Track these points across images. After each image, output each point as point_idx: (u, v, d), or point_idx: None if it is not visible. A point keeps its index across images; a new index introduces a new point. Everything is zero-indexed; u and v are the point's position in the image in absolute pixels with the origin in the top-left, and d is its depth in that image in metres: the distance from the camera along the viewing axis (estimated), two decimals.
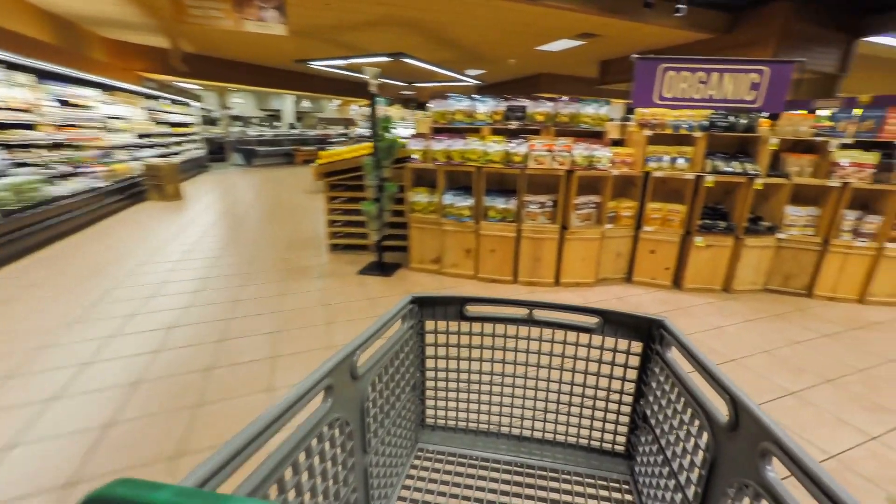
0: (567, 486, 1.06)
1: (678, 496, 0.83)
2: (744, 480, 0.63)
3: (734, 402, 0.68)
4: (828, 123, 3.70)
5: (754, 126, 3.58)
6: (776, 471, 0.59)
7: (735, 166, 3.55)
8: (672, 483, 0.86)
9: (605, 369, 1.35)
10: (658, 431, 0.95)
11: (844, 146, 3.54)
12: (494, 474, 1.10)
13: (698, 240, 3.62)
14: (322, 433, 0.70)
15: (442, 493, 1.03)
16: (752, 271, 3.77)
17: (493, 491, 1.04)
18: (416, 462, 1.14)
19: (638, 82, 3.86)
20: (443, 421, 1.24)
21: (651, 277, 3.87)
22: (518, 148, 3.55)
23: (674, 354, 0.93)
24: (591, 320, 1.06)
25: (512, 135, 3.63)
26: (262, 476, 0.54)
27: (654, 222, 3.73)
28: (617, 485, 1.07)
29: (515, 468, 1.12)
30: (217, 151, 13.27)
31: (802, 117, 3.60)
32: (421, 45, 9.23)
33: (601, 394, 1.21)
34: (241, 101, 15.32)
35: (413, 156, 3.84)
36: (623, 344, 1.06)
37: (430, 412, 1.23)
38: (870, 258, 3.62)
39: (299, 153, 13.89)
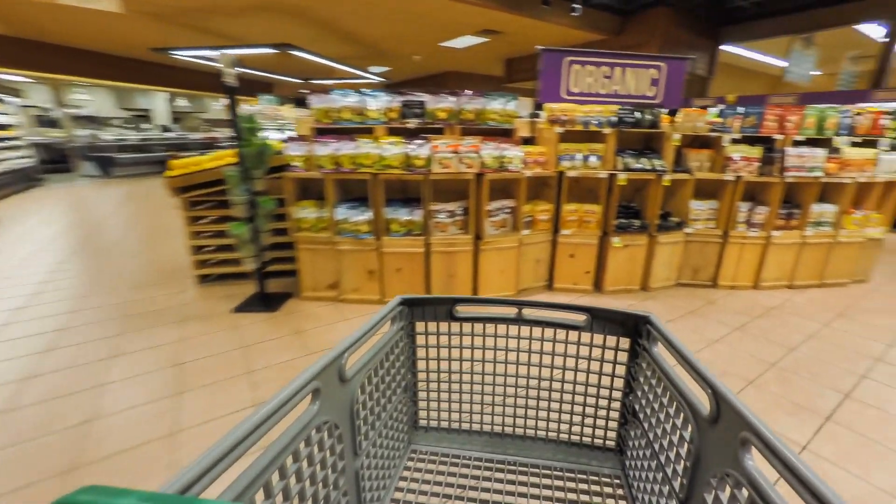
0: (560, 483, 1.08)
1: (666, 488, 0.84)
2: (726, 470, 0.64)
3: (715, 395, 0.69)
4: (717, 119, 3.79)
5: (657, 122, 3.51)
6: (755, 460, 0.60)
7: (644, 163, 3.44)
8: (660, 475, 0.87)
9: (595, 366, 1.34)
10: (646, 426, 0.96)
11: (735, 141, 3.63)
12: (488, 473, 1.10)
13: (616, 240, 3.46)
14: (310, 437, 0.69)
15: (436, 494, 1.03)
16: (665, 268, 3.73)
17: (486, 490, 1.05)
18: (410, 464, 1.13)
19: (545, 75, 3.59)
20: (435, 422, 1.23)
21: (573, 283, 3.64)
22: (419, 150, 3.03)
23: (659, 350, 0.94)
24: (580, 318, 1.07)
25: (411, 135, 3.10)
26: (247, 480, 0.53)
27: (571, 225, 3.49)
28: (609, 479, 1.08)
29: (509, 466, 1.12)
30: (58, 160, 10.82)
31: (699, 113, 3.63)
32: (316, 37, 8.34)
33: (591, 390, 1.17)
34: (91, 98, 12.73)
35: (293, 163, 3.12)
36: (611, 340, 1.08)
37: (422, 413, 1.23)
38: (760, 247, 3.78)
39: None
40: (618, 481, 1.08)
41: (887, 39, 7.33)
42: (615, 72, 3.64)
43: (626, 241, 3.48)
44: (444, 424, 1.23)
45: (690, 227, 3.68)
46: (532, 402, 1.18)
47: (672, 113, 3.70)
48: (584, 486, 1.06)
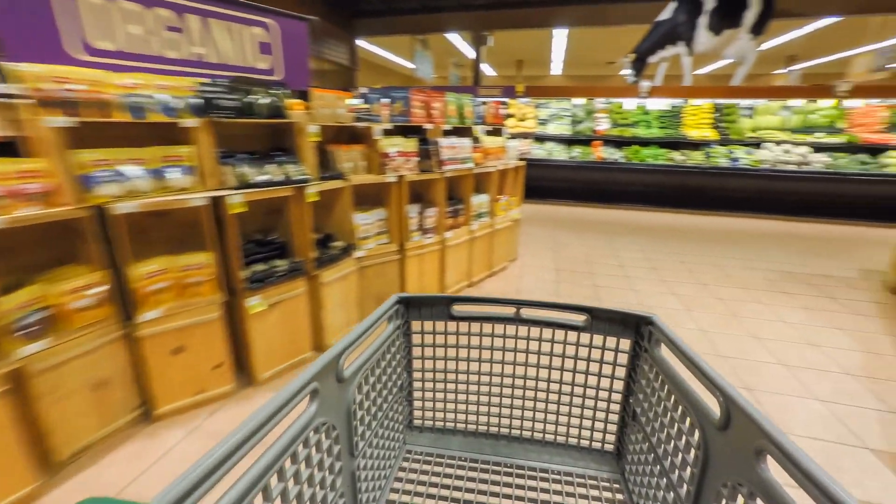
0: (557, 486, 1.06)
1: (670, 495, 0.81)
2: (738, 479, 0.62)
3: (726, 400, 0.65)
4: (363, 106, 3.00)
5: (282, 108, 2.32)
6: (771, 470, 0.57)
7: (273, 172, 2.20)
8: (664, 482, 0.85)
9: (594, 367, 1.09)
10: (649, 429, 0.94)
11: (387, 132, 2.91)
12: (484, 475, 1.08)
13: (254, 301, 2.12)
14: (308, 438, 0.68)
15: (431, 496, 1.01)
16: (342, 311, 2.70)
17: (482, 492, 1.03)
18: (405, 464, 1.11)
19: (17, 12, 1.71)
20: (430, 422, 1.21)
21: (197, 393, 2.07)
22: None
23: (663, 352, 0.91)
24: (579, 318, 1.05)
25: None
26: (246, 484, 0.51)
27: (158, 299, 1.88)
28: (608, 483, 1.06)
29: (505, 468, 1.11)
30: None
31: (337, 96, 2.67)
32: None
33: (590, 392, 1.10)
34: None
35: None
36: (612, 341, 1.06)
37: (417, 413, 1.21)
38: (438, 253, 3.34)
39: None
40: (617, 486, 1.07)
41: (475, 54, 9.11)
42: (190, 22, 2.17)
43: (273, 297, 2.20)
44: (440, 425, 1.21)
45: (361, 250, 2.77)
46: (529, 404, 1.15)
47: (302, 96, 2.61)
48: (582, 490, 1.05)
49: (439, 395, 1.17)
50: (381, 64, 11.10)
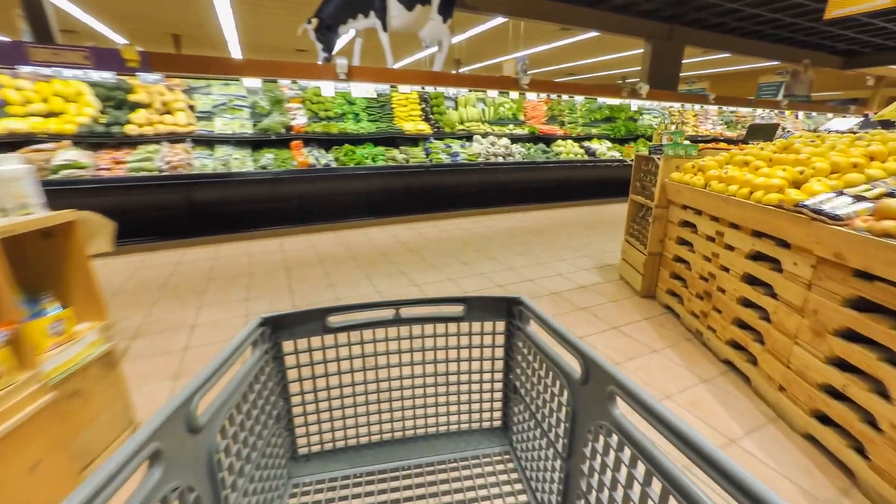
0: (455, 474, 1.09)
1: (550, 451, 0.93)
2: (598, 422, 0.74)
3: (584, 359, 0.77)
4: None
5: None
6: (620, 409, 0.71)
7: None
8: (544, 441, 0.96)
9: (476, 353, 1.15)
10: (528, 399, 1.05)
11: None
12: (382, 485, 1.07)
13: None
14: None
15: None
16: None
17: (383, 503, 1.02)
18: (292, 501, 1.03)
19: None
20: (318, 447, 1.15)
21: None
22: None
23: (533, 327, 1.01)
24: (457, 309, 1.08)
25: None
26: None
27: None
28: (500, 458, 1.14)
29: (404, 472, 1.10)
30: None
31: None
32: None
33: (475, 377, 1.15)
34: None
35: None
36: (489, 326, 1.12)
37: (301, 441, 1.14)
38: None
39: None
40: (507, 456, 1.14)
41: None
42: None
43: None
44: (329, 447, 1.15)
45: None
46: (419, 401, 1.16)
47: None
48: (478, 471, 1.10)
49: (325, 416, 1.13)
50: None
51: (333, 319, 1.03)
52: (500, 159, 6.47)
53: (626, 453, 0.67)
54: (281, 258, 4.32)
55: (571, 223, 5.99)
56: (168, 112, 4.96)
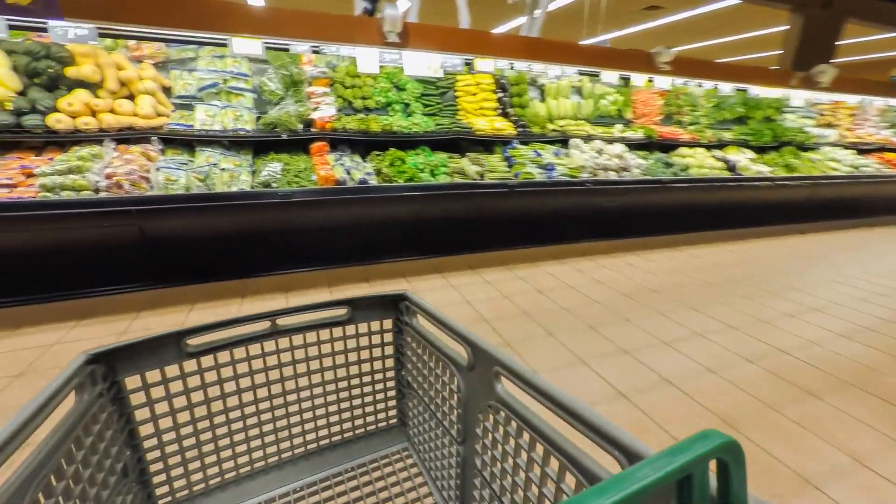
0: (354, 483, 1.04)
1: (446, 439, 0.93)
2: (487, 402, 0.77)
3: (471, 345, 0.80)
4: None
5: None
6: (504, 386, 0.75)
7: None
8: (440, 430, 0.95)
9: (364, 354, 1.09)
10: (421, 392, 1.03)
11: None
12: None
13: None
14: None
15: None
16: None
17: None
18: None
19: None
20: (186, 492, 0.96)
21: None
22: None
23: (420, 320, 1.01)
24: (340, 312, 1.04)
25: None
26: None
27: None
28: (399, 455, 1.12)
29: (308, 490, 1.03)
30: None
31: None
32: None
33: (366, 378, 1.09)
34: None
35: None
36: (375, 325, 1.07)
37: (162, 490, 0.93)
38: None
39: None
40: (406, 453, 1.12)
41: None
42: None
43: None
44: (201, 488, 0.97)
45: None
46: (308, 415, 1.08)
47: None
48: (377, 473, 1.06)
49: (191, 454, 0.94)
50: None
51: (194, 342, 0.90)
52: (612, 175, 4.40)
53: (513, 426, 0.72)
54: None
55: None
56: (130, 96, 3.26)
